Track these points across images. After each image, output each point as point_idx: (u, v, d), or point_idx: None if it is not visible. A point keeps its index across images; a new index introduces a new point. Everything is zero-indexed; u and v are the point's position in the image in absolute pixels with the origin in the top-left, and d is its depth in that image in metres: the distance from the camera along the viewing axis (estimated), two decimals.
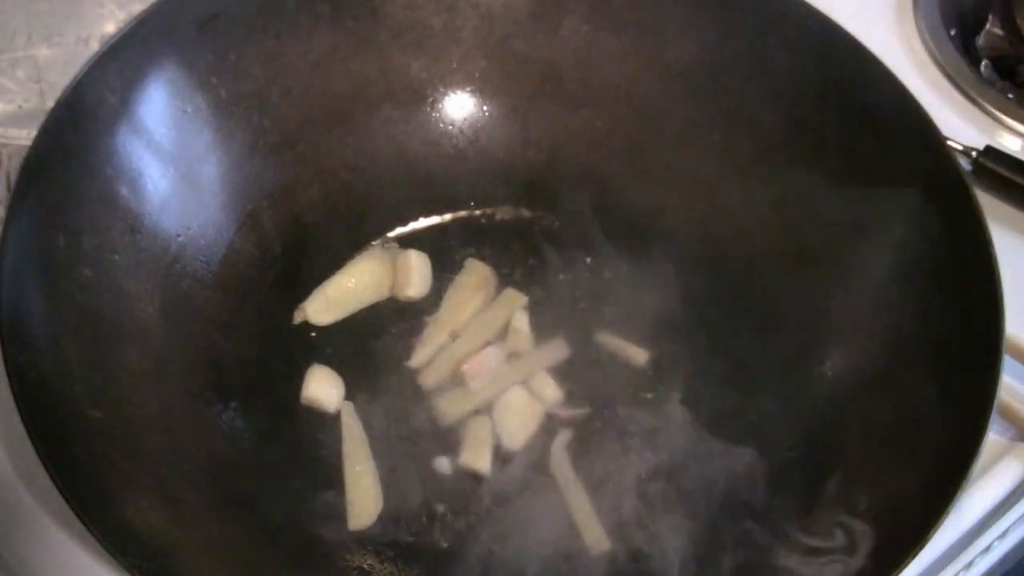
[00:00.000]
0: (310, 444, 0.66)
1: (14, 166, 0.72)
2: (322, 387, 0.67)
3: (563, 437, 0.67)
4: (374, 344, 0.70)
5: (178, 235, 0.65)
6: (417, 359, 0.70)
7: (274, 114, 0.70)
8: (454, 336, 0.70)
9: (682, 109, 0.72)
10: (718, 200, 0.72)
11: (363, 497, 0.64)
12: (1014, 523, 0.64)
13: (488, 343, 0.70)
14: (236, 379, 0.65)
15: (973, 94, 0.85)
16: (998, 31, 0.88)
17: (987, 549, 0.63)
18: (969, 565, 0.63)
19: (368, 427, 0.67)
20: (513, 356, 0.70)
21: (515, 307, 0.72)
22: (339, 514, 0.63)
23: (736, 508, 0.63)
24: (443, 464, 0.66)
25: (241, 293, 0.68)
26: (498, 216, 0.76)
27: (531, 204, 0.76)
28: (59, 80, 0.76)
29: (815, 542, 0.57)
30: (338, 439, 0.66)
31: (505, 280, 0.73)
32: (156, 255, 0.63)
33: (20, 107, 0.76)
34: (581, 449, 0.67)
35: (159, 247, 0.63)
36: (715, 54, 0.70)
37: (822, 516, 0.59)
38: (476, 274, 0.73)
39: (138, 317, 0.61)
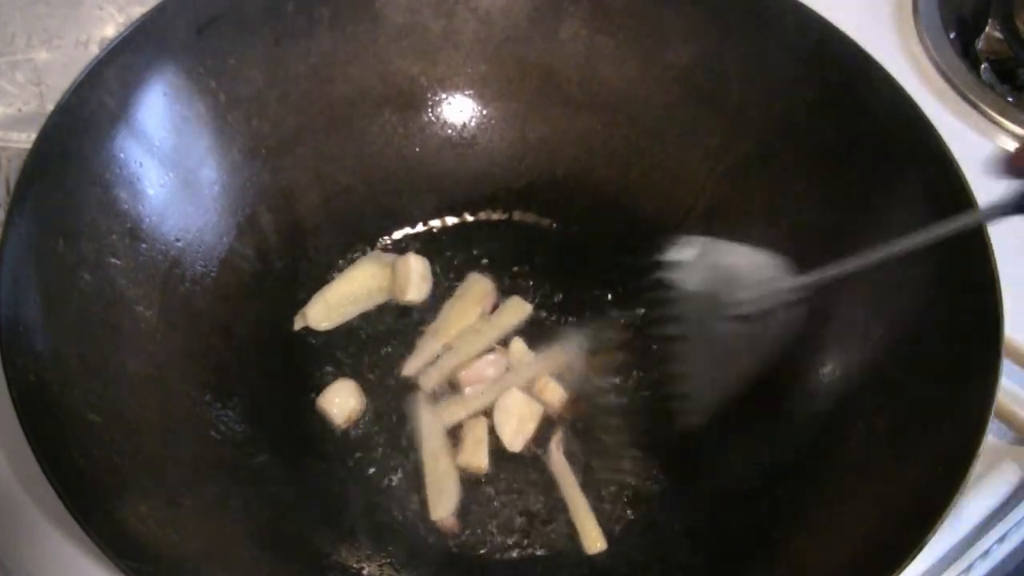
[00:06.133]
0: (309, 448, 0.66)
1: (14, 169, 0.72)
2: (336, 400, 0.67)
3: (561, 437, 0.67)
4: (373, 349, 0.70)
5: (177, 239, 0.65)
6: (409, 367, 0.70)
7: (273, 118, 0.70)
8: (447, 347, 0.70)
9: (681, 112, 0.72)
10: (717, 203, 0.72)
11: (444, 490, 0.65)
12: (1013, 527, 0.64)
13: (489, 350, 0.70)
14: (235, 383, 0.65)
15: (973, 97, 0.85)
16: (998, 34, 0.88)
17: (986, 553, 0.63)
18: (968, 569, 0.63)
19: (367, 428, 0.67)
20: (513, 364, 0.70)
21: (519, 315, 0.72)
22: (335, 517, 0.63)
23: (735, 508, 0.63)
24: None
25: (241, 297, 0.68)
26: (497, 220, 0.76)
27: (530, 207, 0.76)
28: (58, 83, 0.76)
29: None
30: (339, 442, 0.67)
31: (503, 282, 0.73)
32: (155, 259, 0.63)
33: (20, 110, 0.76)
34: (579, 449, 0.67)
35: (158, 251, 0.63)
36: (714, 57, 0.70)
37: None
38: (477, 287, 0.73)
39: (137, 321, 0.61)
